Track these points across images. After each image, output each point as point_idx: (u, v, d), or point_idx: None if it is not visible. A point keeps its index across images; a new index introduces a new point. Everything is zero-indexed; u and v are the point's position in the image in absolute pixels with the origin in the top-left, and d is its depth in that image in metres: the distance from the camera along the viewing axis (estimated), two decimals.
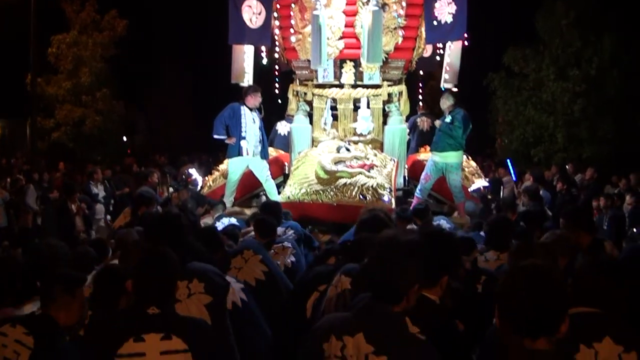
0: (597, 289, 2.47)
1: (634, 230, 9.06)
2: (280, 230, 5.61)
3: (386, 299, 2.26)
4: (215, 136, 9.02)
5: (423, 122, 10.90)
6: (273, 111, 11.22)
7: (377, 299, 2.28)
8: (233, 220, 7.01)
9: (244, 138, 8.87)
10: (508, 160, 11.92)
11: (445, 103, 8.76)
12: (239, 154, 8.92)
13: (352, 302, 2.91)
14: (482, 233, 6.36)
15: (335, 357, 2.23)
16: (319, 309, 3.49)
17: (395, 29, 9.14)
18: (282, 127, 10.79)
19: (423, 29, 9.31)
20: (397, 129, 9.63)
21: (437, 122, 8.85)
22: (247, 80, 9.83)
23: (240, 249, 4.63)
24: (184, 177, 9.45)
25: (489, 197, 9.03)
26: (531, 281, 1.99)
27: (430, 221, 6.95)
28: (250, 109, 8.95)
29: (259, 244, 4.81)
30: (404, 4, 9.10)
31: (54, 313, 2.85)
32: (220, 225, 6.73)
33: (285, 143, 10.47)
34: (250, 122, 8.91)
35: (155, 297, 2.55)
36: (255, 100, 8.96)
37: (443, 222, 7.23)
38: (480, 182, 8.72)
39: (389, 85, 9.67)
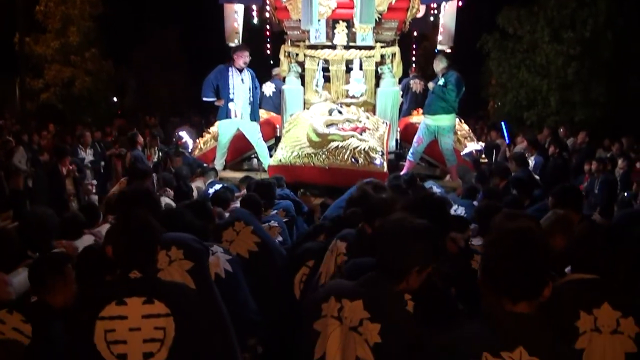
0: (594, 255, 2.50)
1: (625, 194, 9.09)
2: (272, 212, 5.56)
3: (389, 277, 2.33)
4: (205, 99, 8.93)
5: (416, 85, 10.82)
6: (265, 73, 11.07)
7: (382, 275, 2.35)
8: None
9: (232, 100, 8.79)
10: (502, 123, 11.87)
11: (439, 65, 8.66)
12: (227, 116, 8.84)
13: (346, 265, 2.90)
14: (475, 202, 6.32)
15: (332, 317, 2.31)
16: (309, 285, 3.49)
17: None
18: (267, 88, 10.68)
19: None
20: (390, 91, 9.56)
21: (430, 85, 8.77)
22: (238, 40, 9.70)
23: (231, 221, 4.52)
24: (174, 139, 9.37)
25: (483, 160, 8.98)
26: (516, 243, 1.98)
27: (421, 187, 6.94)
28: (239, 70, 8.83)
29: (249, 214, 4.68)
30: None
31: (50, 299, 2.84)
32: (212, 192, 6.68)
33: (272, 104, 10.39)
34: (238, 83, 8.81)
35: (136, 261, 2.52)
36: (241, 59, 8.83)
37: (434, 187, 7.23)
38: (473, 146, 8.68)
39: (382, 47, 9.57)
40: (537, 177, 10.34)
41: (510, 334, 1.93)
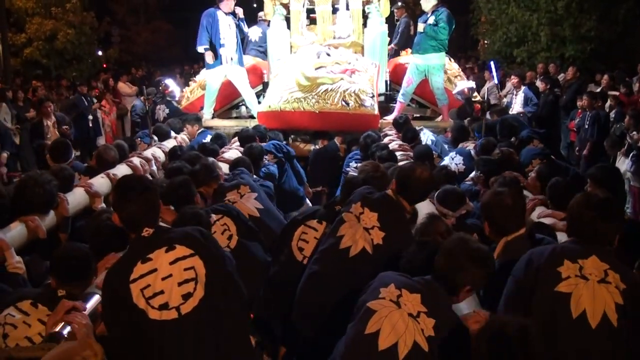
0: (588, 225, 2.62)
1: (617, 125, 9.06)
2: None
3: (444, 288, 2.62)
4: (199, 48, 8.66)
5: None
6: (248, 17, 10.77)
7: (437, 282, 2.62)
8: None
9: (223, 46, 8.57)
10: (491, 62, 11.69)
11: (429, 2, 8.46)
12: (220, 63, 8.64)
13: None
14: (469, 147, 6.24)
15: (390, 300, 2.53)
16: (326, 241, 3.48)
17: None
18: (253, 33, 10.38)
19: None
20: (378, 31, 9.36)
21: (420, 25, 8.58)
22: None
23: (237, 184, 4.58)
24: (160, 88, 9.21)
25: (475, 98, 8.86)
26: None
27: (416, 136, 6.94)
28: (226, 14, 8.60)
29: (256, 182, 4.80)
30: None
31: (78, 292, 2.81)
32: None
33: (258, 49, 10.16)
34: (226, 28, 8.57)
35: (146, 220, 2.58)
36: (229, 3, 8.58)
37: (427, 134, 7.23)
38: (464, 84, 8.56)
39: None
40: (527, 109, 10.41)
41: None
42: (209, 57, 8.63)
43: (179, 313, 2.44)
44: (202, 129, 7.85)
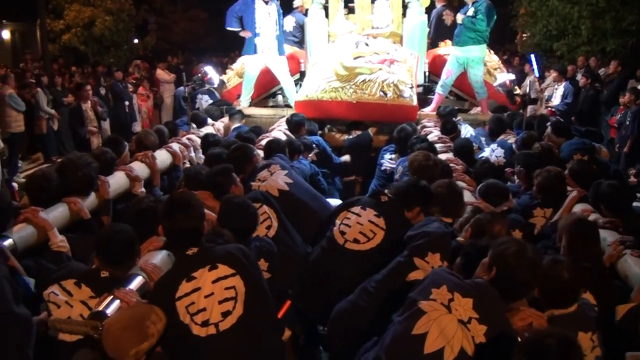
0: None
1: None
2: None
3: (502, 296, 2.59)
4: (228, 27, 8.65)
5: (447, 16, 10.36)
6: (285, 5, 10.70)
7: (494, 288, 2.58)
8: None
9: (258, 35, 8.53)
10: (532, 55, 11.45)
11: None
12: (255, 52, 8.62)
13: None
14: (510, 140, 6.15)
15: (441, 303, 2.49)
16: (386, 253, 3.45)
17: None
18: (287, 23, 10.22)
19: None
20: (417, 21, 9.25)
21: (459, 17, 8.45)
22: None
23: (267, 163, 4.63)
24: (199, 75, 9.23)
25: (516, 91, 8.67)
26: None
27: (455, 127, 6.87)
28: (266, 2, 8.54)
29: (287, 161, 4.84)
30: None
31: (121, 274, 2.83)
32: None
33: (293, 39, 10.08)
34: (264, 16, 8.51)
35: (188, 240, 2.76)
36: None
37: (468, 128, 7.15)
38: (505, 76, 8.41)
39: None
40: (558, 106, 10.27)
41: None
42: (244, 34, 8.60)
43: (217, 329, 2.57)
44: (239, 124, 7.74)
